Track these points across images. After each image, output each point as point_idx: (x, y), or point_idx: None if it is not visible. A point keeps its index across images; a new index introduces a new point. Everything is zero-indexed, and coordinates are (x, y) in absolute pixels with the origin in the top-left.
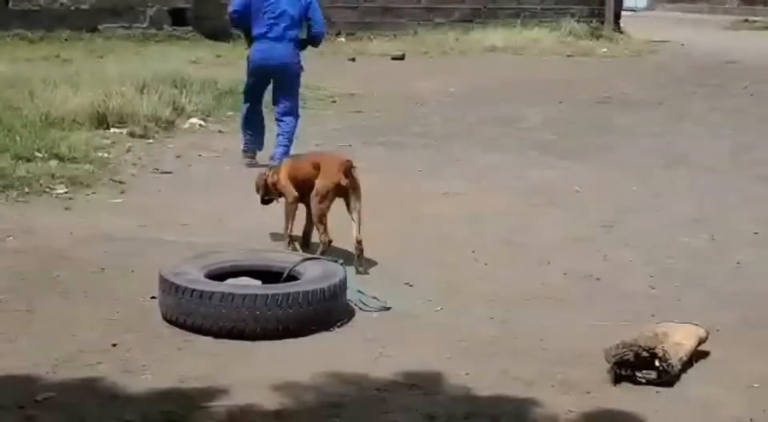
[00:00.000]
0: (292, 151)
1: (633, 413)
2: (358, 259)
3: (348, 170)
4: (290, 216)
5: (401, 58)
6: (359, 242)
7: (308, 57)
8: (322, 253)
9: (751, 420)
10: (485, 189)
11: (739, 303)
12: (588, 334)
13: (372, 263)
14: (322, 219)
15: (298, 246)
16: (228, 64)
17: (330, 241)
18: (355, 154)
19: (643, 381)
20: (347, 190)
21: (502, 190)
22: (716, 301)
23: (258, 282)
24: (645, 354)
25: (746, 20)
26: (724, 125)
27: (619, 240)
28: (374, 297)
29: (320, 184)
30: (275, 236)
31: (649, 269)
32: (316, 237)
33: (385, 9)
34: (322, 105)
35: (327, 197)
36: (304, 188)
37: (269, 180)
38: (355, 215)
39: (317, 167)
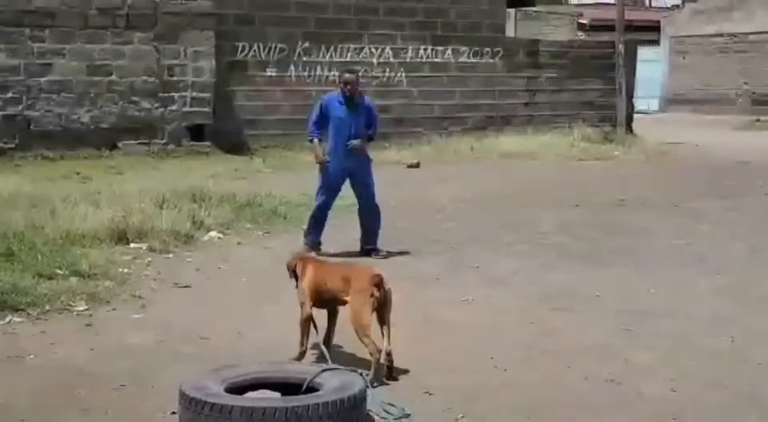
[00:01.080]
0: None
1: None
2: (388, 371)
3: (379, 283)
4: (305, 332)
5: (417, 166)
6: (389, 354)
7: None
8: (376, 368)
9: None
10: (504, 295)
11: (762, 404)
12: None
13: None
14: (367, 332)
15: (325, 351)
16: (246, 178)
17: (380, 351)
18: (375, 263)
19: None
20: (379, 303)
21: (520, 295)
22: (739, 402)
23: (277, 395)
24: None
25: (758, 120)
26: (741, 225)
27: (638, 344)
28: (392, 404)
29: (355, 299)
30: (295, 348)
31: (669, 372)
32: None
33: (398, 120)
34: (343, 213)
35: (364, 311)
36: (326, 296)
37: (296, 269)
38: (385, 329)
39: (347, 280)
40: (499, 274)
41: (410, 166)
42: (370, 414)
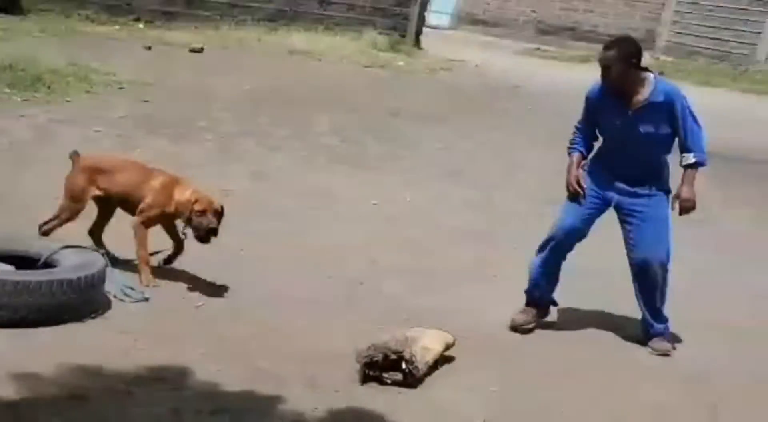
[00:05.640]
0: None
1: (375, 411)
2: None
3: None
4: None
5: (200, 50)
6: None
7: (99, 39)
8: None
9: (483, 420)
10: (264, 189)
11: (487, 310)
12: (343, 336)
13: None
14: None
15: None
16: (11, 40)
17: None
18: (137, 145)
19: (389, 382)
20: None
21: (280, 191)
22: (465, 308)
23: (11, 268)
24: (393, 356)
25: (537, 48)
26: (501, 145)
27: (387, 248)
28: (132, 288)
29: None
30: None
31: (410, 276)
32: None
33: (189, 1)
34: (109, 90)
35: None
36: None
37: None
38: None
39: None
40: (264, 169)
41: (193, 50)
42: (109, 295)
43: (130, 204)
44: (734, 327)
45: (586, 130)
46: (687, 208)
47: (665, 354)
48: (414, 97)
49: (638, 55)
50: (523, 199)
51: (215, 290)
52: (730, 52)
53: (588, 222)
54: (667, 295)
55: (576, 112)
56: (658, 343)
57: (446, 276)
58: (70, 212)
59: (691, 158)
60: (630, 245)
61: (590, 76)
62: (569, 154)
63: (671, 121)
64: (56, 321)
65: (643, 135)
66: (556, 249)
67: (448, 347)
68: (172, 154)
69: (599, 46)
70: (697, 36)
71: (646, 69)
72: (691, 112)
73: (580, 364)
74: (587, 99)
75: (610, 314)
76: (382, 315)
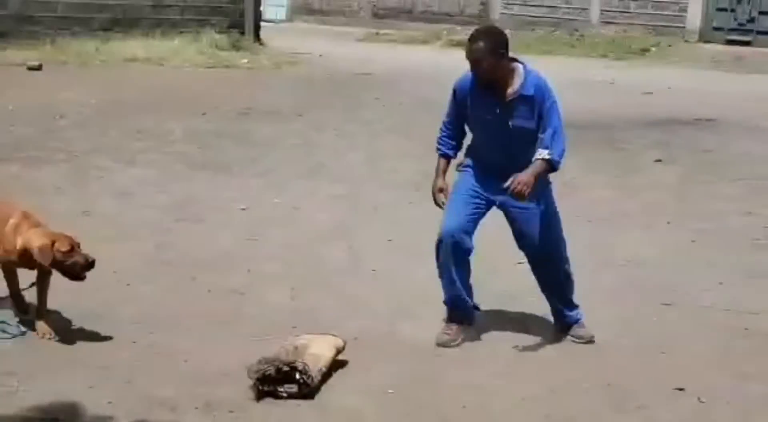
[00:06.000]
0: None
1: None
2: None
3: None
4: None
5: (38, 68)
6: None
7: None
8: None
9: None
10: (128, 206)
11: (373, 309)
12: (232, 351)
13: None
14: None
15: None
16: None
17: None
18: None
19: (285, 395)
20: None
21: (145, 206)
22: (351, 309)
23: None
24: (285, 368)
25: (377, 33)
26: (359, 135)
27: (262, 254)
28: (7, 323)
29: None
30: None
31: (290, 281)
32: None
33: (20, 18)
34: None
35: None
36: None
37: None
38: None
39: None
40: (125, 184)
41: (31, 68)
42: None
43: None
44: (607, 291)
45: (455, 125)
46: (519, 191)
47: (590, 342)
48: (263, 94)
49: (505, 46)
50: (389, 188)
51: (93, 317)
52: (564, 19)
53: (473, 222)
54: (575, 283)
55: (425, 95)
56: (578, 330)
57: (327, 277)
58: None
59: (545, 154)
60: (523, 243)
61: (433, 56)
62: (438, 154)
63: (539, 115)
64: None
65: (516, 129)
66: (452, 253)
67: (339, 351)
68: (25, 179)
69: (437, 26)
70: (530, 5)
71: (515, 59)
72: (557, 111)
73: (478, 356)
74: (454, 92)
75: (509, 311)
76: (268, 325)
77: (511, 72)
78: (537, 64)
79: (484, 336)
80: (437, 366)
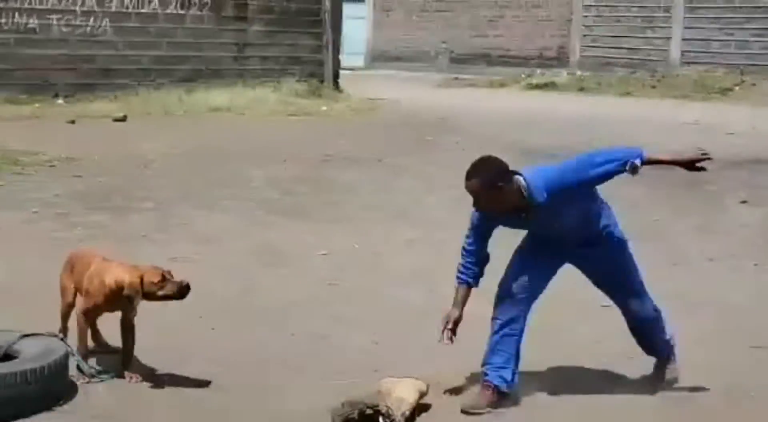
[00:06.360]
0: None
1: None
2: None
3: None
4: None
5: (123, 119)
6: None
7: (22, 120)
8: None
9: None
10: (213, 252)
11: (455, 352)
12: (316, 394)
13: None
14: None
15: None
16: None
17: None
18: (77, 222)
19: None
20: None
21: (229, 253)
22: (432, 352)
23: None
24: (369, 411)
25: (455, 78)
26: (438, 179)
27: (343, 298)
28: (95, 368)
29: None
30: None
31: (372, 325)
32: None
33: (105, 70)
34: (40, 170)
35: None
36: None
37: None
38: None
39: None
40: (209, 231)
41: (116, 120)
42: (77, 380)
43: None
44: (695, 335)
45: (479, 251)
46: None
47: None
48: (343, 140)
49: (503, 174)
50: None
51: (177, 361)
52: (644, 59)
53: (544, 279)
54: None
55: (505, 138)
56: (670, 372)
57: (408, 321)
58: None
59: (629, 165)
60: (611, 297)
61: (512, 100)
62: (457, 282)
63: (572, 196)
64: (23, 414)
65: (569, 219)
66: (513, 310)
67: (422, 395)
68: (113, 227)
69: (516, 69)
70: (609, 47)
71: (516, 172)
72: (581, 160)
73: (562, 401)
74: (474, 222)
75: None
76: (351, 368)
77: (516, 191)
78: (618, 106)
79: (569, 379)
80: (522, 409)
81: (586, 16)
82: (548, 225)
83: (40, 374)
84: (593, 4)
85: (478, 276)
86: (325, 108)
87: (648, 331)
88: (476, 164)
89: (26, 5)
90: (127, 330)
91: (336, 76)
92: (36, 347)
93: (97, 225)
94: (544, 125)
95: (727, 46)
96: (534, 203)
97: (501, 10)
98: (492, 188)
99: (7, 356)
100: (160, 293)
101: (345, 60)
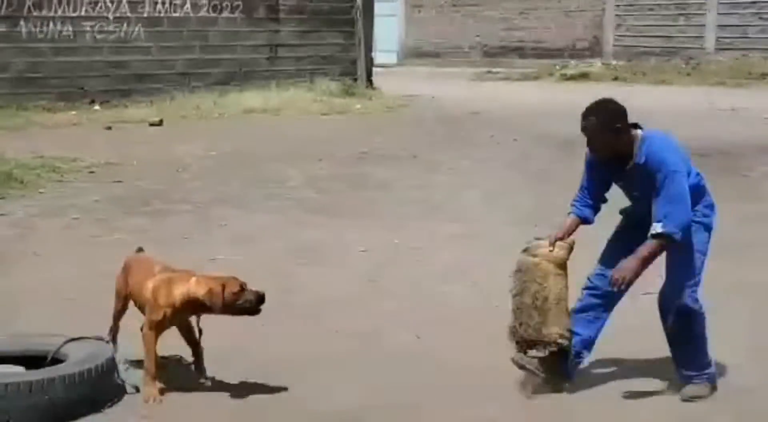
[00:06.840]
0: None
1: None
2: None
3: None
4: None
5: (159, 123)
6: None
7: (60, 127)
8: None
9: None
10: (251, 252)
11: (499, 344)
12: (362, 391)
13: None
14: None
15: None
16: None
17: None
18: (117, 227)
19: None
20: None
21: (267, 252)
22: (477, 345)
23: (21, 369)
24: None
25: (488, 72)
26: (474, 174)
27: (385, 294)
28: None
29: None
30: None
31: (415, 320)
32: None
33: (140, 75)
34: (79, 176)
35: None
36: None
37: None
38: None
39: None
40: (247, 232)
41: (152, 124)
42: (124, 383)
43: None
44: (738, 319)
45: (591, 189)
46: (614, 279)
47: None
48: (378, 138)
49: (621, 118)
50: (507, 224)
51: (229, 360)
52: (678, 47)
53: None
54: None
55: (540, 130)
56: (691, 389)
57: (451, 315)
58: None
59: (658, 228)
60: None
61: (546, 92)
62: (568, 213)
63: (656, 183)
64: (71, 417)
65: (644, 193)
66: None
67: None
68: (152, 230)
69: (549, 61)
70: (643, 36)
71: (635, 125)
72: (675, 179)
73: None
74: (587, 160)
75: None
76: (396, 364)
77: (631, 142)
78: (653, 94)
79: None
80: (564, 401)
81: (618, 5)
82: (636, 193)
83: (87, 377)
84: None
85: (589, 208)
86: (359, 106)
87: (667, 319)
88: (596, 105)
89: (60, 14)
90: (196, 344)
91: (369, 73)
92: (83, 350)
93: (137, 229)
94: (579, 116)
95: (764, 31)
96: (636, 160)
97: (532, 2)
98: (607, 129)
99: (55, 360)
100: (239, 303)
101: (377, 57)
